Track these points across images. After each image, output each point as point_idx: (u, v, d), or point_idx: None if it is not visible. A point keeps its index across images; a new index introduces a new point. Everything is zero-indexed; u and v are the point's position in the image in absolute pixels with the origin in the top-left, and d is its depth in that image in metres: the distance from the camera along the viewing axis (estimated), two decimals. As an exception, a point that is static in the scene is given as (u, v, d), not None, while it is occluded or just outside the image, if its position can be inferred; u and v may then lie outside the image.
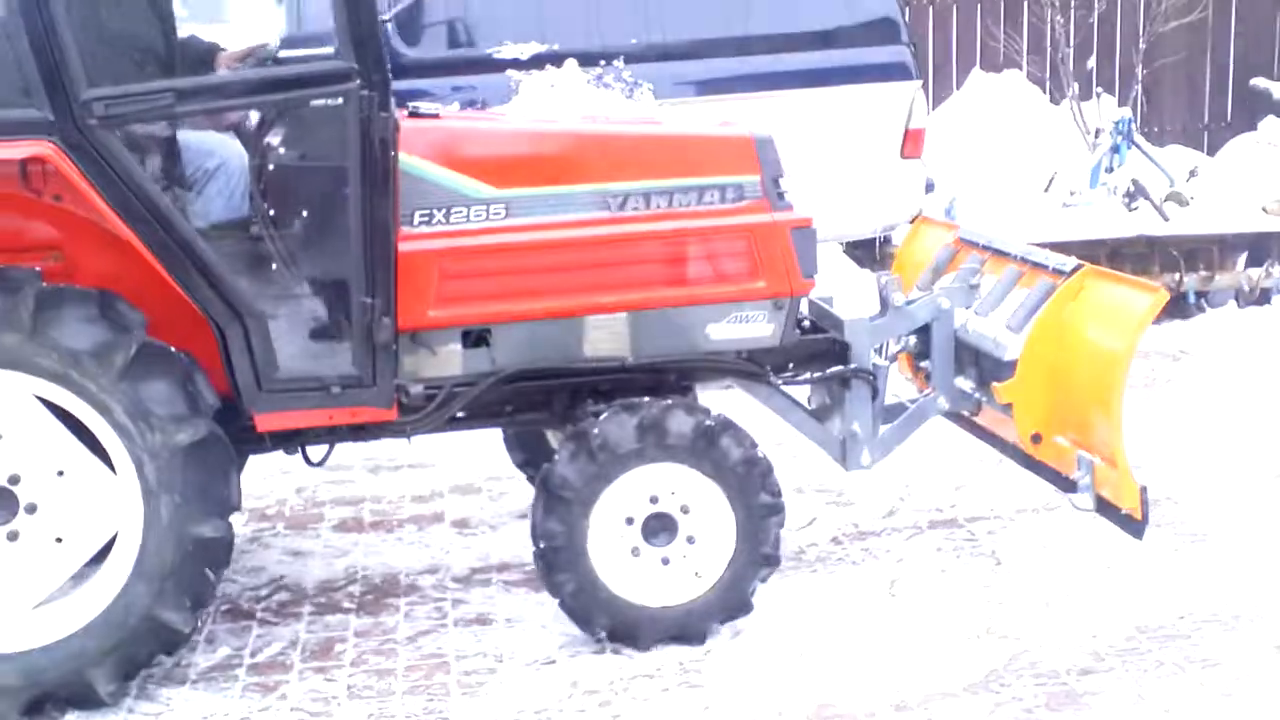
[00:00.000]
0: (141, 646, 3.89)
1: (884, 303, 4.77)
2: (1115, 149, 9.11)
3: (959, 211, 7.80)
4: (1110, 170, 8.99)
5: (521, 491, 5.66)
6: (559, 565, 4.13)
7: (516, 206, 4.17)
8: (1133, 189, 8.36)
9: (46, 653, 3.82)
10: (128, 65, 4.19)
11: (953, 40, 12.18)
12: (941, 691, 3.90)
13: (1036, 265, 4.66)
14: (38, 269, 3.79)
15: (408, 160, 4.02)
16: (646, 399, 4.17)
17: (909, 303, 4.79)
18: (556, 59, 6.59)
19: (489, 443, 6.09)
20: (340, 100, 3.93)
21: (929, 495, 5.47)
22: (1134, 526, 4.19)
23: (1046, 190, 9.11)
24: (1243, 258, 8.19)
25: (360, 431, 4.32)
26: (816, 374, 4.66)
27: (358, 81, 3.84)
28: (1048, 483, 4.63)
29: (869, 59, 7.20)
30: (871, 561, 4.82)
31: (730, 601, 4.24)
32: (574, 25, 6.82)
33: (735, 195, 4.34)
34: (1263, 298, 8.14)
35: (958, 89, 11.80)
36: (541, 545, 4.14)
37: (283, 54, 4.43)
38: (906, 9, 8.95)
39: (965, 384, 4.77)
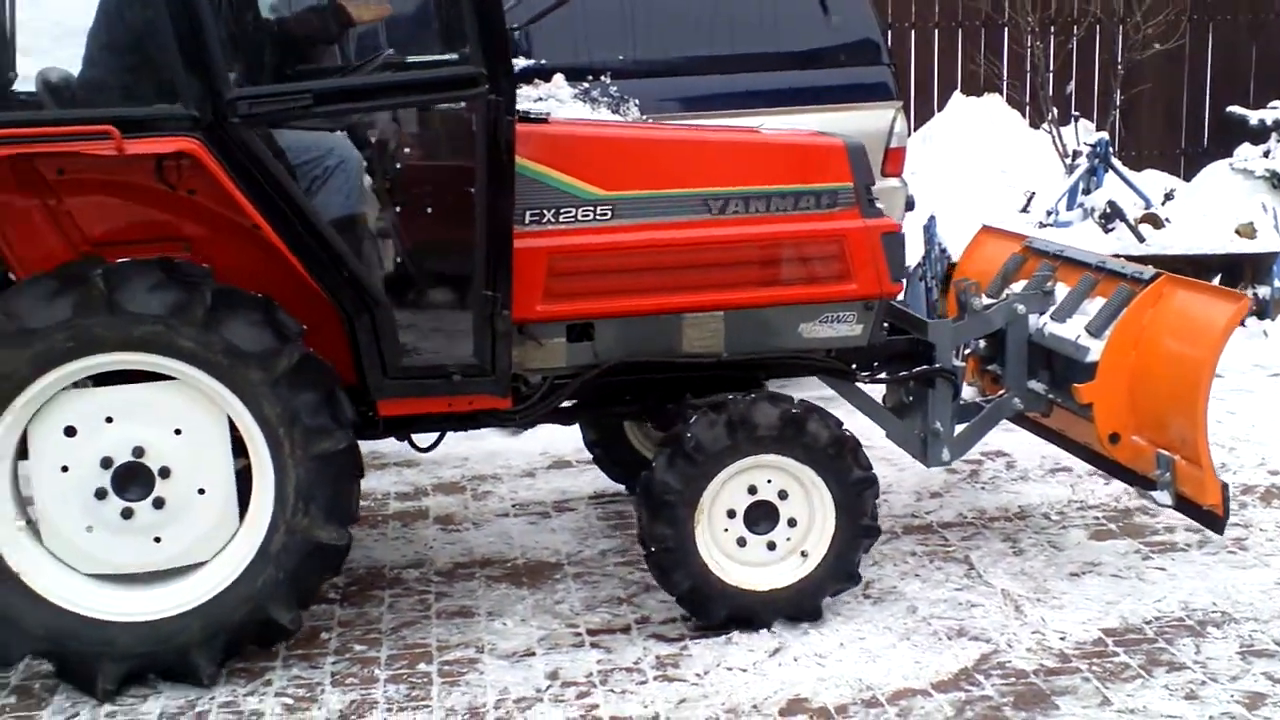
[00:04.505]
0: (246, 635, 4.02)
1: (963, 306, 4.92)
2: (1093, 171, 9.17)
3: (940, 229, 7.86)
4: (1087, 192, 9.05)
5: (503, 492, 5.75)
6: (672, 565, 4.23)
7: (623, 208, 4.31)
8: (1109, 210, 8.43)
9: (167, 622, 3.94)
10: (266, 61, 4.39)
11: (934, 64, 12.31)
12: (912, 689, 3.98)
13: (1113, 273, 4.79)
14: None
15: (521, 162, 4.10)
16: (731, 396, 4.25)
17: (986, 307, 4.92)
18: (545, 74, 6.69)
19: (469, 445, 6.18)
20: (466, 105, 4.06)
21: (904, 502, 5.56)
22: (1215, 522, 4.37)
23: (1024, 210, 9.18)
24: (1217, 279, 8.26)
25: (470, 420, 4.43)
26: (902, 373, 4.79)
27: (486, 86, 3.92)
28: (1121, 480, 4.79)
29: (851, 79, 7.31)
30: (847, 564, 4.91)
31: (839, 574, 4.35)
32: (562, 42, 6.92)
33: (829, 201, 4.47)
34: (1236, 318, 8.20)
35: (939, 111, 11.92)
36: (652, 549, 4.24)
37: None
38: (889, 33, 9.05)
39: (1038, 386, 4.89)
